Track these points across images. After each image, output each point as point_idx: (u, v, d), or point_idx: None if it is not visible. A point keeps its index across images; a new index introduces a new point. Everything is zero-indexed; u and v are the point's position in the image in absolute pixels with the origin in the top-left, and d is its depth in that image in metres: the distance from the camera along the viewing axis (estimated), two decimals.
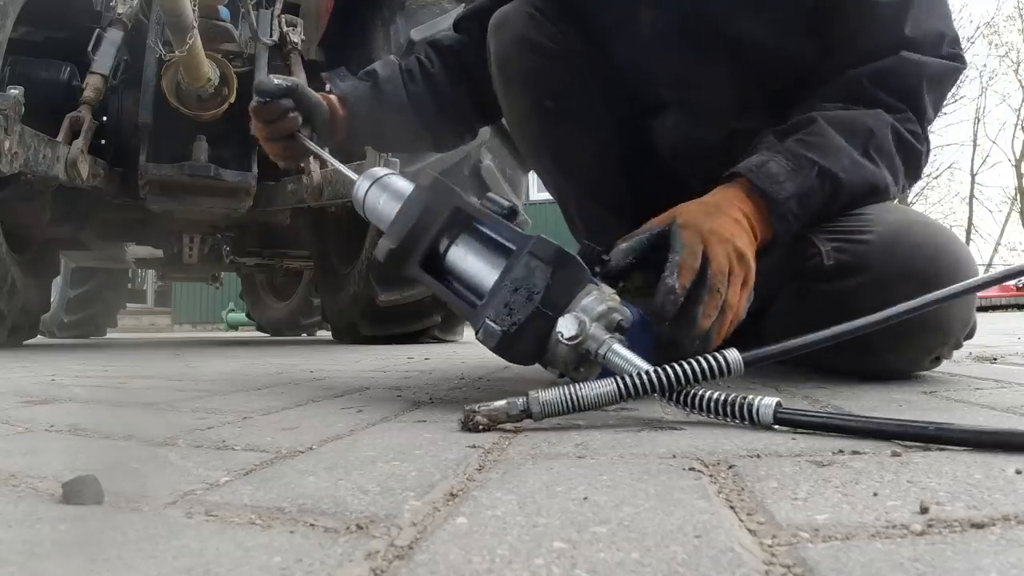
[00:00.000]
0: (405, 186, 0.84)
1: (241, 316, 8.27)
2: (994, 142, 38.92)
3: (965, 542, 0.31)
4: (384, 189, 0.87)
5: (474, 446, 0.55)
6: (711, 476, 0.44)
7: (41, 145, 2.34)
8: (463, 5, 1.31)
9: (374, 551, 0.31)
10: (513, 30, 1.14)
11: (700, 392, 0.61)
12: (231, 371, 1.49)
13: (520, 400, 0.62)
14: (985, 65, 24.29)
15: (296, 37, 3.14)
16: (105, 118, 2.94)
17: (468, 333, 3.36)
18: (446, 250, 0.78)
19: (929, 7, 0.93)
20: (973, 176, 22.02)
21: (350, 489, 0.42)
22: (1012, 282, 14.69)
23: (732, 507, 0.37)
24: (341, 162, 1.07)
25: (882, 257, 0.87)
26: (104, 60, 2.68)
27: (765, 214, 0.84)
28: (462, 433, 0.61)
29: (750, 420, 0.58)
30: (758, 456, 0.49)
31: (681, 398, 0.61)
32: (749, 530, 0.33)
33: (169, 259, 3.94)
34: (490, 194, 0.77)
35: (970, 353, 1.44)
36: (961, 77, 1.04)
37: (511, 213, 0.74)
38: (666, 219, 0.80)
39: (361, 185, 0.90)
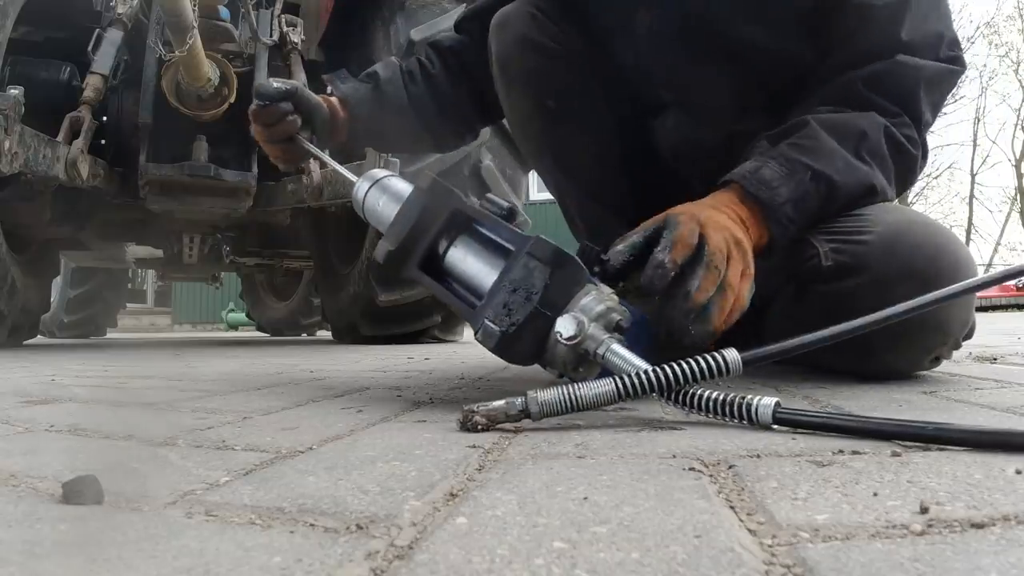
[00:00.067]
0: (404, 188, 0.84)
1: (241, 316, 8.27)
2: (994, 142, 38.97)
3: (965, 542, 0.31)
4: (383, 191, 0.87)
5: (474, 446, 0.55)
6: (711, 476, 0.44)
7: (41, 145, 2.34)
8: (463, 5, 1.31)
9: (374, 551, 0.31)
10: (515, 30, 1.14)
11: (699, 392, 0.61)
12: (231, 371, 1.49)
13: (518, 400, 0.62)
14: (985, 65, 24.32)
15: (296, 37, 3.14)
16: (105, 118, 2.94)
17: (468, 333, 3.36)
18: (445, 251, 0.78)
19: (928, 9, 0.93)
20: (973, 176, 22.04)
21: (350, 489, 0.42)
22: (1012, 282, 14.69)
23: (732, 507, 0.37)
24: (341, 163, 1.07)
25: (881, 257, 0.87)
26: (104, 60, 2.68)
27: (760, 219, 0.84)
28: (462, 433, 0.61)
29: (749, 420, 0.58)
30: (758, 456, 0.49)
31: (680, 398, 0.61)
32: (749, 530, 0.33)
33: (169, 259, 3.94)
34: (489, 195, 0.77)
35: (970, 353, 1.44)
36: (961, 78, 1.03)
37: (510, 214, 0.74)
38: (660, 218, 0.80)
39: (360, 187, 0.90)
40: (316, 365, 1.66)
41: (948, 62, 0.94)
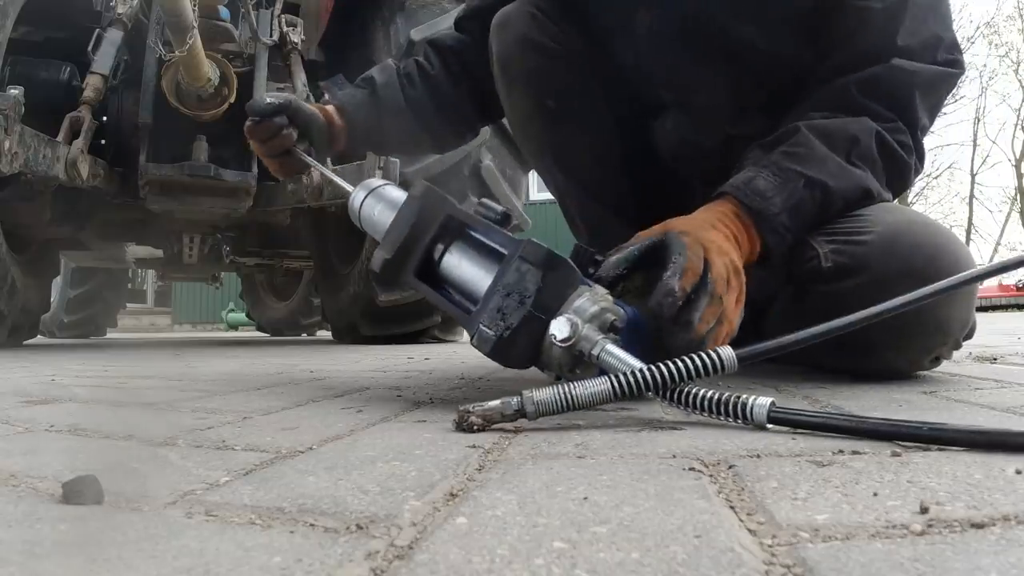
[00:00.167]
0: (399, 196, 0.85)
1: (241, 316, 8.26)
2: (994, 142, 38.96)
3: (965, 542, 0.31)
4: (379, 199, 0.88)
5: (474, 446, 0.55)
6: (711, 476, 0.44)
7: (41, 145, 2.33)
8: (463, 5, 1.31)
9: (374, 551, 0.31)
10: (515, 30, 1.14)
11: (695, 391, 0.61)
12: (231, 371, 1.49)
13: (514, 400, 0.62)
14: (985, 65, 24.32)
15: (296, 37, 3.14)
16: (105, 118, 2.93)
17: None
18: (440, 258, 0.78)
19: (927, 11, 0.93)
20: (973, 176, 22.03)
21: (350, 489, 0.42)
22: (1012, 282, 14.68)
23: (732, 507, 0.37)
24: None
25: (881, 257, 0.87)
26: (104, 60, 2.68)
27: (756, 230, 0.85)
28: (462, 433, 0.61)
29: (744, 419, 0.58)
30: (758, 456, 0.49)
31: (675, 396, 0.61)
32: (749, 530, 0.33)
33: (169, 259, 3.94)
34: (484, 199, 0.77)
35: (970, 353, 1.44)
36: (960, 80, 1.02)
37: (504, 218, 0.75)
38: (658, 231, 0.80)
39: (356, 196, 0.91)
40: (316, 365, 1.66)
41: (946, 65, 0.94)
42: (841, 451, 0.49)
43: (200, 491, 0.43)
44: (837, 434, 0.54)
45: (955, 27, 1.00)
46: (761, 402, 0.57)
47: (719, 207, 0.85)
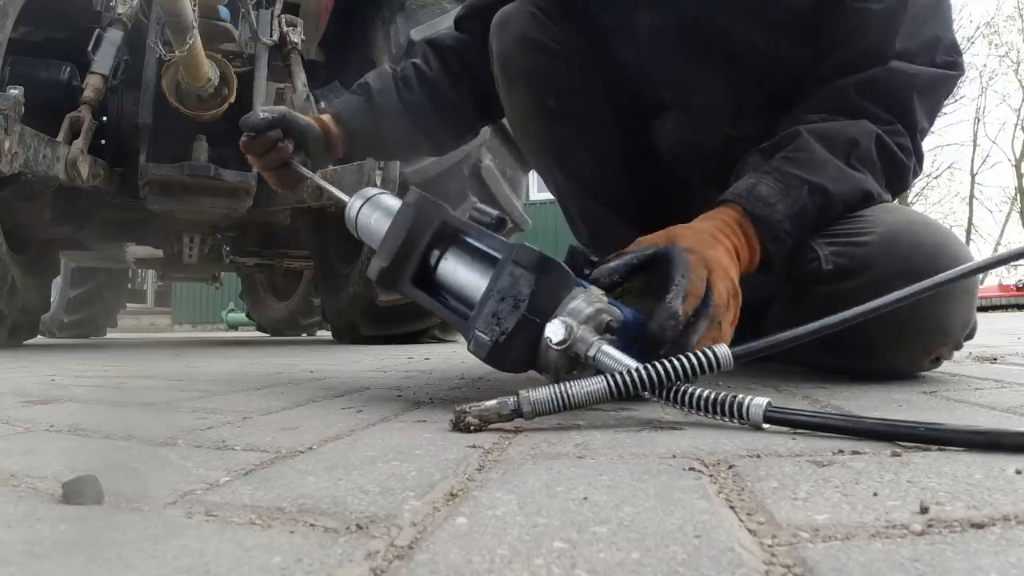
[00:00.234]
0: (395, 204, 0.85)
1: (241, 316, 8.26)
2: (994, 142, 38.99)
3: (965, 542, 0.31)
4: (375, 208, 0.88)
5: (474, 446, 0.55)
6: (711, 476, 0.44)
7: (41, 145, 2.33)
8: (463, 4, 1.31)
9: (374, 551, 0.31)
10: (516, 29, 1.14)
11: (692, 390, 0.61)
12: (231, 371, 1.49)
13: (511, 399, 0.62)
14: (985, 65, 24.34)
15: (296, 37, 3.14)
16: (105, 118, 2.93)
17: None
18: (436, 264, 0.78)
19: (927, 13, 0.92)
20: (973, 176, 22.04)
21: (350, 489, 0.42)
22: (1012, 282, 14.68)
23: (732, 507, 0.37)
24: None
25: (882, 258, 0.86)
26: (104, 60, 2.68)
27: (757, 237, 0.84)
28: (460, 433, 0.61)
29: (740, 419, 0.58)
30: (758, 456, 0.49)
31: (672, 395, 0.61)
32: (749, 530, 0.33)
33: (169, 259, 3.94)
34: (478, 204, 0.78)
35: (970, 353, 1.44)
36: (959, 82, 1.02)
37: (499, 223, 0.75)
38: (660, 241, 0.79)
39: (353, 205, 0.91)
40: (316, 365, 1.66)
41: (945, 67, 0.93)
42: (841, 451, 0.49)
43: (200, 491, 0.43)
44: (834, 434, 0.54)
45: (955, 27, 1.00)
46: (758, 402, 0.57)
47: (721, 215, 0.85)
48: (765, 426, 0.58)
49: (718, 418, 0.60)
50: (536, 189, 7.86)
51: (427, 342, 3.14)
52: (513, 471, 0.47)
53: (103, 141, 2.94)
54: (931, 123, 0.97)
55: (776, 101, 1.02)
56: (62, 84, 2.89)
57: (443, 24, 2.77)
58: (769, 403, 0.57)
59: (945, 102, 1.05)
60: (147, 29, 2.90)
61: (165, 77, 2.75)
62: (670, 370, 0.61)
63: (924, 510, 0.35)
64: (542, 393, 0.62)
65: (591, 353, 0.65)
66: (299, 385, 1.13)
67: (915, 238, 0.88)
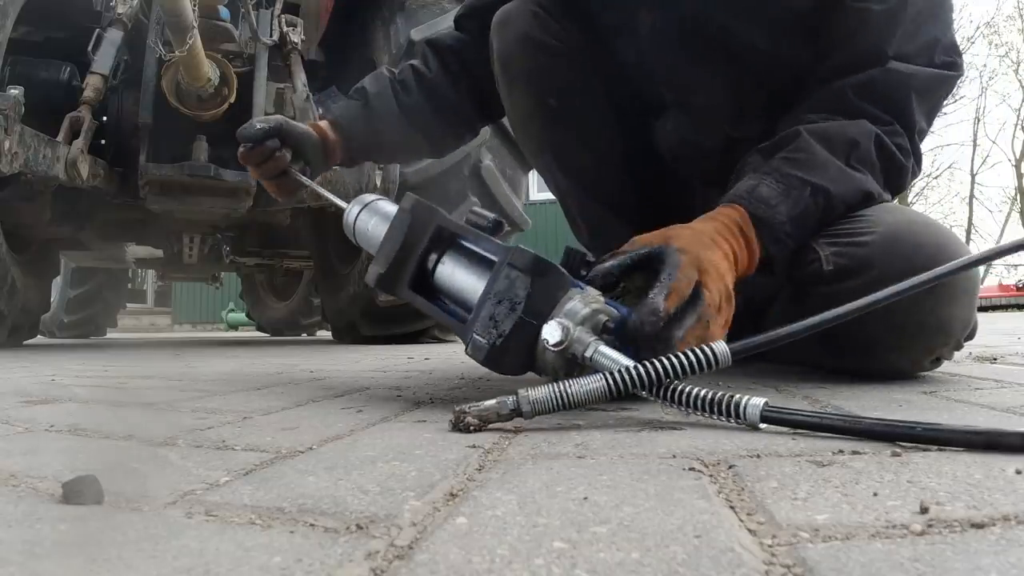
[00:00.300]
0: (393, 209, 0.85)
1: (241, 316, 8.26)
2: (994, 142, 38.95)
3: (965, 542, 0.31)
4: (373, 214, 0.89)
5: (474, 446, 0.55)
6: (711, 476, 0.44)
7: (41, 145, 2.33)
8: (463, 3, 1.31)
9: (374, 551, 0.31)
10: (517, 28, 1.14)
11: (689, 389, 0.61)
12: (231, 371, 1.49)
13: (510, 399, 0.62)
14: (985, 65, 24.34)
15: (296, 37, 3.14)
16: (105, 118, 2.93)
17: None
18: (433, 269, 0.79)
19: (927, 13, 0.92)
20: (973, 176, 22.03)
21: (350, 489, 0.42)
22: (1012, 282, 14.68)
23: (732, 507, 0.37)
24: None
25: (883, 258, 0.86)
26: (104, 60, 2.68)
27: (758, 239, 0.84)
28: (460, 433, 0.61)
29: (737, 418, 0.58)
30: (758, 456, 0.49)
31: (670, 395, 0.61)
32: (749, 530, 0.33)
33: (169, 259, 3.94)
34: (475, 208, 0.78)
35: (970, 353, 1.44)
36: (959, 82, 1.02)
37: (496, 225, 0.75)
38: (657, 240, 0.78)
39: (351, 212, 0.92)
40: (316, 365, 1.66)
41: (944, 67, 0.93)
42: (841, 451, 0.49)
43: (200, 491, 0.43)
44: (831, 434, 0.54)
45: (955, 27, 1.00)
46: (755, 402, 0.57)
47: (722, 216, 0.84)
48: (762, 426, 0.58)
49: (716, 418, 0.60)
50: (536, 189, 7.86)
51: (427, 342, 3.14)
52: (513, 471, 0.47)
53: (103, 141, 2.94)
54: (930, 123, 0.97)
55: (776, 102, 1.02)
56: (62, 84, 2.89)
57: (443, 24, 2.77)
58: (766, 403, 0.57)
59: (944, 102, 1.05)
60: (147, 29, 2.89)
61: (165, 77, 2.75)
62: (668, 367, 0.61)
63: (924, 510, 0.35)
64: (541, 392, 0.62)
65: (588, 354, 0.65)
66: (299, 385, 1.13)
67: (916, 238, 0.88)
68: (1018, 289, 14.20)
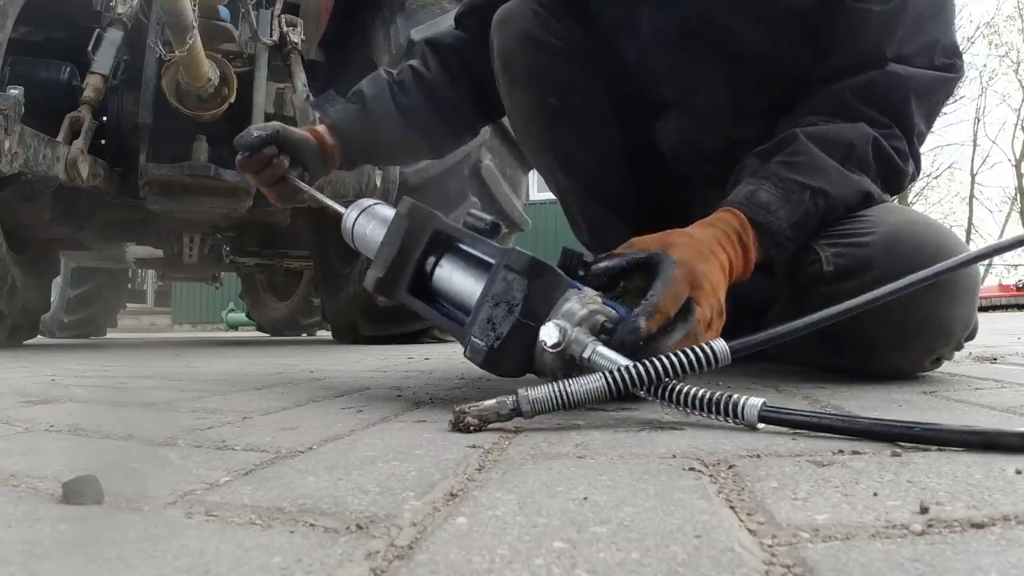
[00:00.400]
0: (390, 214, 0.86)
1: (241, 316, 8.26)
2: (994, 142, 38.91)
3: (965, 542, 0.31)
4: (370, 218, 0.89)
5: (474, 446, 0.55)
6: (711, 476, 0.44)
7: (41, 145, 2.33)
8: (463, 2, 1.30)
9: (374, 551, 0.31)
10: (517, 27, 1.14)
11: (688, 389, 0.61)
12: (231, 371, 1.49)
13: (510, 399, 0.62)
14: (985, 65, 24.34)
15: (296, 37, 3.14)
16: (105, 118, 2.93)
17: None
18: (431, 272, 0.79)
19: (927, 15, 0.92)
20: (973, 176, 22.03)
21: (350, 489, 0.42)
22: (1012, 282, 14.68)
23: (732, 507, 0.37)
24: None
25: (883, 258, 0.86)
26: (104, 60, 2.68)
27: (758, 244, 0.84)
28: (460, 433, 0.61)
29: (735, 418, 0.58)
30: (758, 456, 0.49)
31: (669, 395, 0.61)
32: (749, 530, 0.33)
33: (169, 259, 3.94)
34: (473, 210, 0.78)
35: (970, 353, 1.44)
36: (958, 84, 1.02)
37: (493, 228, 0.75)
38: (654, 246, 0.77)
39: (349, 216, 0.92)
40: (316, 365, 1.66)
41: (943, 69, 0.93)
42: (841, 451, 0.49)
43: (200, 491, 0.43)
44: (830, 434, 0.54)
45: (956, 28, 1.00)
46: (753, 402, 0.57)
47: (721, 222, 0.83)
48: (761, 426, 0.58)
49: (714, 417, 0.60)
50: (536, 189, 7.86)
51: (427, 342, 3.14)
52: (513, 471, 0.47)
53: (103, 141, 2.94)
54: (929, 126, 0.96)
55: (776, 104, 1.02)
56: (62, 84, 2.89)
57: (443, 24, 2.77)
58: (764, 403, 0.57)
59: (944, 103, 1.05)
60: (147, 29, 2.89)
61: (165, 77, 2.75)
62: (668, 366, 0.61)
63: (924, 510, 0.35)
64: (541, 392, 0.62)
65: (586, 355, 0.65)
66: (299, 385, 1.13)
67: (916, 238, 0.88)
68: (1018, 289, 14.20)
